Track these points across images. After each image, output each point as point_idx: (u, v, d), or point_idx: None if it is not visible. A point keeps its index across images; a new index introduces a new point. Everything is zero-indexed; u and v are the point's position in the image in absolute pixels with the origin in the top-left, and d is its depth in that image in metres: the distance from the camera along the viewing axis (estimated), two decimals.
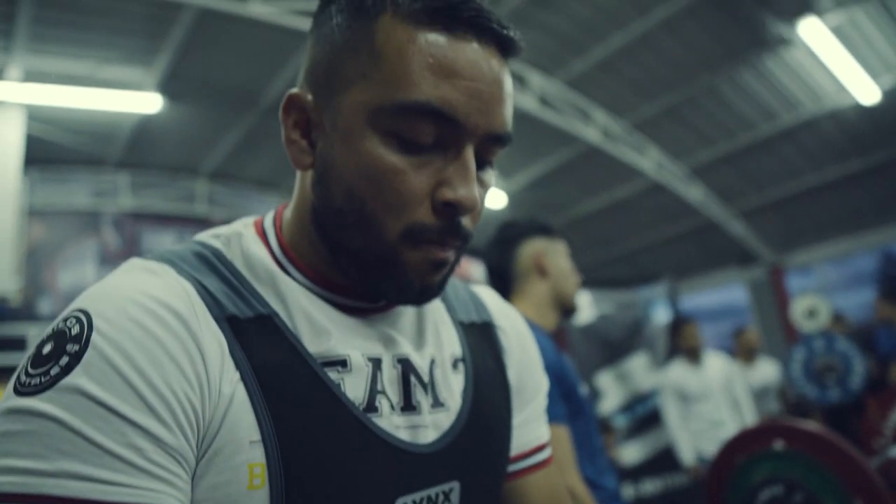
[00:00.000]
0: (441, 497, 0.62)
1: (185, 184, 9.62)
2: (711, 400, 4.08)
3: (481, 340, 0.76)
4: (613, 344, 4.71)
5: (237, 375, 0.53)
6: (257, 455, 0.51)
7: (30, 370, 0.48)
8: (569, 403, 1.57)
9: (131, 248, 9.07)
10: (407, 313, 0.68)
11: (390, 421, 0.60)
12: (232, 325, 0.55)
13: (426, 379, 0.65)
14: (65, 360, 0.47)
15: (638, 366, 4.77)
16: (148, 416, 0.47)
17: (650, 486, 4.44)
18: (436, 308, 0.73)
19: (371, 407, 0.59)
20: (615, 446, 4.36)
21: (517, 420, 0.77)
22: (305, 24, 5.64)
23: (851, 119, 7.73)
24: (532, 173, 9.36)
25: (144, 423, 0.47)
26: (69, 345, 0.48)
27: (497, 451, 0.71)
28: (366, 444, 0.56)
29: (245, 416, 0.52)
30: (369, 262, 0.58)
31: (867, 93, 7.13)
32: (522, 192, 9.78)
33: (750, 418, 4.10)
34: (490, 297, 0.84)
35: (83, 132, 7.85)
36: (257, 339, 0.55)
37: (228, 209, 9.95)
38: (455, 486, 0.63)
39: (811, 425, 1.90)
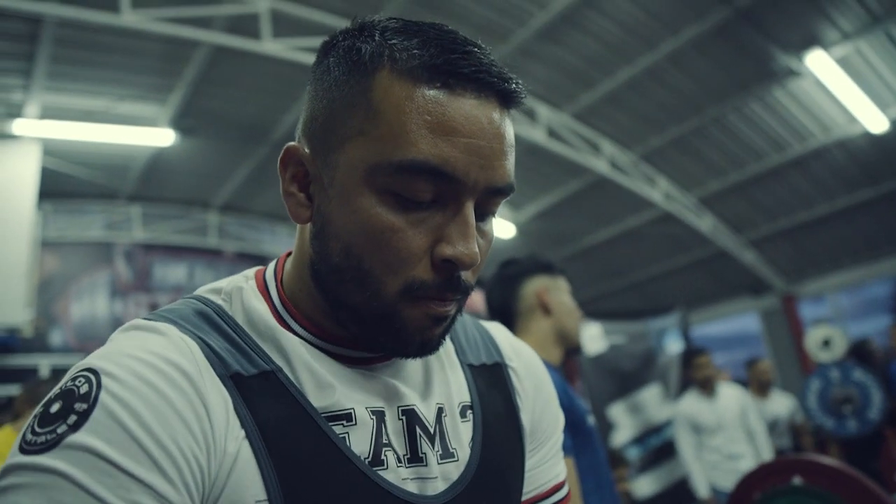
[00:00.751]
0: None
1: (196, 216, 9.71)
2: (726, 432, 4.02)
3: (492, 383, 0.73)
4: (625, 375, 4.67)
5: (242, 433, 0.52)
6: None
7: (37, 429, 0.48)
8: (576, 436, 1.56)
9: (143, 280, 9.13)
10: (412, 362, 0.66)
11: (397, 474, 0.58)
12: (236, 383, 0.55)
13: (432, 429, 0.63)
14: (73, 418, 0.47)
15: (651, 397, 4.72)
16: (153, 473, 0.47)
17: None
18: (444, 352, 0.70)
19: (377, 461, 0.57)
20: (628, 479, 4.29)
21: (533, 461, 0.75)
22: (312, 59, 5.75)
23: (861, 148, 7.73)
24: (541, 204, 9.40)
25: (149, 480, 0.47)
26: (77, 403, 0.48)
27: (507, 499, 0.68)
28: (373, 499, 0.55)
29: (250, 475, 0.51)
30: (368, 317, 0.58)
31: (875, 122, 7.15)
32: (531, 222, 9.81)
33: (766, 450, 4.03)
34: (501, 335, 0.81)
35: (97, 166, 7.97)
36: (261, 395, 0.55)
37: (239, 241, 10.03)
38: None
39: (830, 461, 1.87)
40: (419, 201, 0.54)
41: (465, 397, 0.69)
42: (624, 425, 4.54)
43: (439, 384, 0.67)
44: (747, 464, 3.91)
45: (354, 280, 0.56)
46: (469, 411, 0.68)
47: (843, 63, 6.48)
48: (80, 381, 0.50)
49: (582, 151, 7.67)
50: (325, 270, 0.58)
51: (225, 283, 0.65)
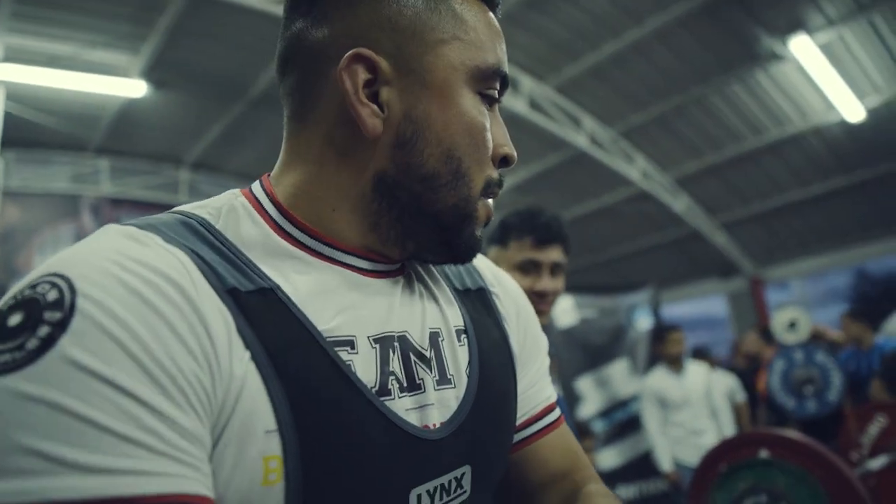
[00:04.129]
0: (454, 484, 0.58)
1: (167, 172, 9.49)
2: (691, 407, 4.08)
3: (480, 308, 0.71)
4: (594, 349, 4.70)
5: (248, 354, 0.46)
6: (273, 446, 0.45)
7: None
8: None
9: None
10: (409, 285, 0.64)
11: (402, 404, 0.55)
12: (234, 298, 0.48)
13: (428, 354, 0.60)
14: (44, 329, 0.39)
15: (618, 372, 4.77)
16: (155, 392, 0.40)
17: (626, 491, 4.44)
18: (434, 277, 0.68)
19: (384, 391, 0.54)
20: (593, 451, 4.34)
21: (523, 384, 0.72)
22: None
23: (836, 136, 7.82)
24: (519, 177, 9.35)
25: (155, 402, 0.40)
26: (47, 312, 0.40)
27: (505, 427, 0.67)
28: (382, 433, 0.51)
29: (259, 402, 0.45)
30: (450, 220, 0.58)
31: (853, 111, 7.22)
32: (509, 195, 9.78)
33: (728, 427, 4.11)
34: (481, 262, 0.79)
35: (64, 115, 7.71)
36: (263, 313, 0.49)
37: None
38: (467, 469, 0.59)
39: (796, 435, 1.89)
40: (491, 101, 0.59)
41: (459, 322, 0.66)
42: (591, 398, 4.58)
43: (432, 309, 0.65)
44: (710, 439, 3.98)
45: (449, 184, 0.56)
46: (464, 335, 0.65)
47: (826, 50, 6.51)
48: (43, 289, 0.42)
49: (563, 125, 7.62)
50: (409, 179, 0.56)
51: (209, 200, 0.59)
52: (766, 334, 6.30)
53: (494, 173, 0.59)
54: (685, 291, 11.03)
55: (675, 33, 6.57)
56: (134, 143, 8.83)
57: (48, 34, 6.26)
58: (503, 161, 0.60)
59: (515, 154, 0.61)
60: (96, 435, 0.37)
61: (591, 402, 4.57)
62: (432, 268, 0.69)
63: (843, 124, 7.53)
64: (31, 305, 0.41)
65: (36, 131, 7.86)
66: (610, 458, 4.49)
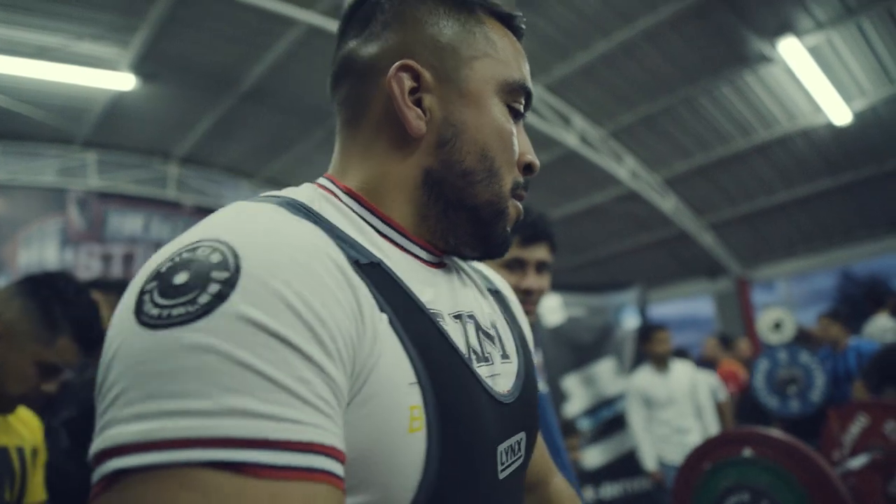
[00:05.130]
0: (517, 447, 0.65)
1: (155, 166, 9.44)
2: (676, 406, 4.11)
3: (501, 307, 0.79)
4: (582, 347, 4.72)
5: (385, 316, 0.52)
6: (415, 397, 0.50)
7: (160, 301, 0.42)
8: None
9: (96, 229, 8.87)
10: (458, 276, 0.72)
11: (481, 372, 0.61)
12: (360, 268, 0.53)
13: (492, 332, 0.69)
14: (214, 287, 0.42)
15: (605, 370, 4.79)
16: (314, 344, 0.43)
17: (611, 490, 4.47)
18: (469, 274, 0.77)
19: (469, 358, 0.60)
20: (579, 449, 4.37)
21: None
22: (288, 8, 5.56)
23: (823, 139, 7.89)
24: None
25: (311, 352, 0.43)
26: (214, 272, 0.43)
27: (537, 407, 0.75)
28: (480, 393, 0.58)
29: (399, 358, 0.51)
30: (486, 214, 0.65)
31: (839, 114, 7.29)
32: None
33: (712, 425, 4.14)
34: (484, 267, 0.87)
35: (52, 107, 7.64)
36: (382, 283, 0.54)
37: (199, 194, 9.79)
38: (523, 436, 0.66)
39: (779, 434, 1.91)
40: (517, 114, 0.67)
41: (498, 312, 0.76)
42: (577, 396, 4.60)
43: (480, 298, 0.74)
44: (694, 438, 4.01)
45: (484, 180, 0.63)
46: (504, 322, 0.76)
47: (814, 52, 6.56)
48: (204, 252, 0.45)
49: (553, 124, 7.64)
50: (452, 174, 0.63)
51: (286, 190, 0.64)
52: (724, 341, 6.48)
53: (520, 177, 0.67)
54: (672, 291, 11.10)
55: (664, 34, 6.60)
56: (122, 136, 8.76)
57: (36, 25, 6.20)
58: (527, 168, 0.68)
59: (538, 163, 0.68)
60: (258, 383, 0.40)
61: (577, 401, 4.59)
62: (464, 265, 0.77)
63: (830, 127, 7.60)
64: (195, 265, 0.44)
65: (23, 124, 7.79)
66: (595, 456, 4.51)
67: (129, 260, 8.99)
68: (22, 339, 1.29)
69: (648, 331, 4.32)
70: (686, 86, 7.34)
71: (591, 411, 4.61)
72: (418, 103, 0.63)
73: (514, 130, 0.66)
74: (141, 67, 6.98)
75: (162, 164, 9.49)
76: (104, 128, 8.38)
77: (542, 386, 1.73)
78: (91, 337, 1.43)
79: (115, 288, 2.17)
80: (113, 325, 0.45)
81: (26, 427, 1.40)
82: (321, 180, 0.68)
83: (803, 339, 5.40)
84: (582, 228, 10.49)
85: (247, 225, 0.48)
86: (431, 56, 0.63)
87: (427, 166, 0.63)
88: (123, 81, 7.01)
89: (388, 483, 0.49)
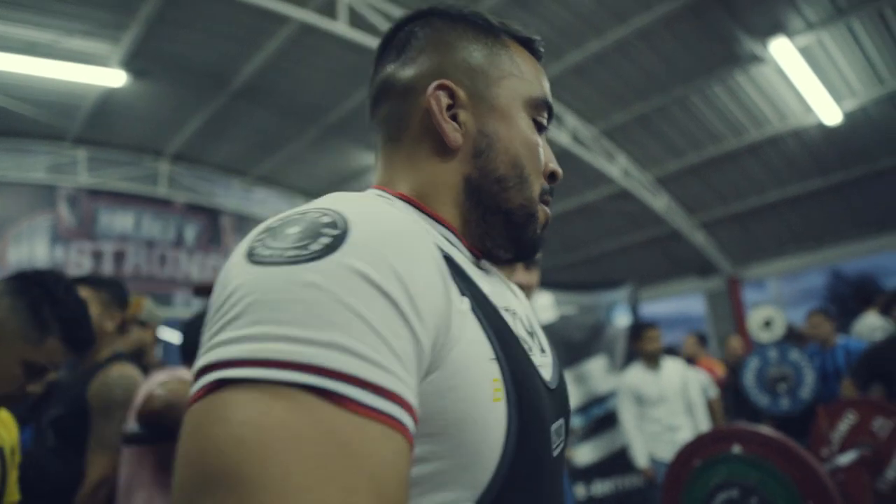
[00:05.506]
0: (560, 430, 0.70)
1: (146, 163, 9.40)
2: (667, 403, 4.13)
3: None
4: (573, 345, 4.73)
5: (466, 299, 0.57)
6: (495, 371, 0.55)
7: (272, 244, 0.48)
8: None
9: (87, 226, 8.82)
10: (494, 276, 0.77)
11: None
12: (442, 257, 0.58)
13: (529, 328, 0.74)
14: (325, 239, 0.47)
15: (596, 368, 4.80)
16: (410, 307, 0.47)
17: (602, 487, 4.48)
18: (497, 274, 0.82)
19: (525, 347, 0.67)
20: (570, 447, 4.38)
21: None
22: (281, 6, 5.55)
23: (814, 139, 7.93)
24: None
25: (407, 312, 0.46)
26: (325, 229, 0.48)
27: None
28: (536, 375, 0.63)
29: (480, 336, 0.56)
30: (519, 218, 0.71)
31: (830, 114, 7.33)
32: None
33: (703, 422, 4.16)
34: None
35: (41, 104, 7.60)
36: (455, 271, 0.60)
37: (191, 192, 9.76)
38: (562, 422, 0.71)
39: (768, 431, 1.92)
40: (541, 127, 0.74)
41: (530, 310, 0.83)
42: (569, 394, 4.61)
43: (514, 296, 0.80)
44: (685, 435, 4.03)
45: (516, 186, 0.70)
46: (536, 320, 0.82)
47: (805, 53, 6.60)
48: (314, 214, 0.51)
49: None
50: (488, 181, 0.69)
51: (346, 194, 0.67)
52: (703, 339, 6.58)
53: (546, 184, 0.74)
54: (664, 289, 11.14)
55: (658, 33, 6.62)
56: (113, 133, 8.72)
57: (26, 20, 6.17)
58: (551, 176, 0.75)
59: (561, 171, 0.76)
60: (358, 326, 0.43)
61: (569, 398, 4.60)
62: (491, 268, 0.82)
63: (821, 127, 7.65)
64: (306, 222, 0.50)
65: (12, 120, 7.74)
66: (587, 453, 4.53)
67: (119, 257, 8.95)
68: (9, 338, 1.26)
69: (639, 329, 4.34)
70: (679, 85, 7.37)
71: (583, 409, 4.62)
72: (454, 118, 0.70)
73: (540, 141, 0.73)
74: (132, 64, 6.95)
75: (153, 162, 9.45)
76: (95, 125, 8.34)
77: None
78: (80, 337, 1.41)
79: (106, 285, 2.16)
80: (226, 272, 0.49)
81: (4, 427, 1.37)
82: (372, 191, 0.72)
83: (793, 337, 5.44)
84: (574, 227, 10.51)
85: (353, 201, 0.54)
86: (464, 76, 0.71)
87: (466, 174, 0.70)
88: (114, 78, 6.98)
89: (478, 447, 0.53)
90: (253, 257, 0.47)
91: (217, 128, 8.66)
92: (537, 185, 0.72)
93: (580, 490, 4.35)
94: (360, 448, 0.40)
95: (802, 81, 6.90)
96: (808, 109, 7.38)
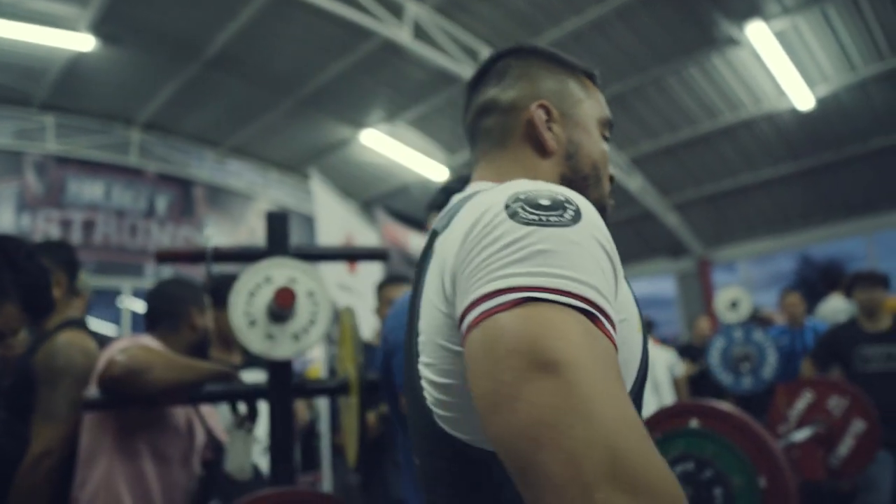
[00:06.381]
0: None
1: (117, 132, 9.20)
2: None
3: None
4: None
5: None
6: (637, 312, 0.77)
7: (532, 210, 0.62)
8: None
9: (55, 195, 8.63)
10: None
11: None
12: None
13: None
14: (570, 212, 0.62)
15: None
16: (616, 262, 0.64)
17: None
18: None
19: None
20: None
21: None
22: None
23: (787, 123, 8.03)
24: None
25: (616, 266, 0.64)
26: (566, 203, 0.64)
27: None
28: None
29: (624, 285, 0.72)
30: (597, 209, 0.79)
31: (803, 99, 7.41)
32: (465, 166, 9.76)
33: (668, 400, 4.24)
34: None
35: (6, 67, 7.39)
36: None
37: (163, 162, 9.59)
38: None
39: (725, 406, 1.96)
40: (606, 139, 0.96)
41: None
42: None
43: None
44: (649, 411, 4.10)
45: (595, 184, 0.92)
46: None
47: (781, 37, 6.64)
48: (551, 192, 0.65)
49: None
50: (577, 178, 0.91)
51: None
52: (649, 324, 6.76)
53: (609, 185, 0.97)
54: (635, 269, 11.25)
55: (636, 13, 6.61)
56: (82, 99, 8.52)
57: None
58: (610, 179, 0.98)
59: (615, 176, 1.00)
60: (600, 276, 0.59)
61: None
62: None
63: (794, 112, 7.74)
64: (551, 196, 0.64)
65: None
66: None
67: (89, 227, 8.79)
68: None
69: None
70: (655, 66, 7.38)
71: None
72: (549, 130, 0.91)
73: (608, 150, 0.96)
74: (101, 29, 6.77)
75: (124, 130, 9.26)
76: (63, 90, 8.13)
77: None
78: (39, 304, 1.39)
79: (51, 249, 2.08)
80: (483, 223, 0.63)
81: None
82: (484, 183, 0.91)
83: (757, 319, 5.56)
84: None
85: (556, 186, 0.69)
86: (554, 98, 0.92)
87: (560, 172, 0.90)
88: (83, 42, 6.80)
89: (631, 364, 0.73)
90: (520, 218, 0.61)
91: (190, 97, 8.50)
92: (607, 184, 0.95)
93: None
94: (606, 350, 0.56)
95: (777, 66, 6.96)
96: (782, 94, 7.46)
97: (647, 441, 0.51)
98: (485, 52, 7.11)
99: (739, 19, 6.50)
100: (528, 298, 0.56)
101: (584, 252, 0.59)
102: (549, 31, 6.96)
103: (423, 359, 0.72)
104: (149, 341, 2.00)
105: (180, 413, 2.05)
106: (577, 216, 0.62)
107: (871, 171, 8.39)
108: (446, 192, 1.73)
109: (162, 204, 9.54)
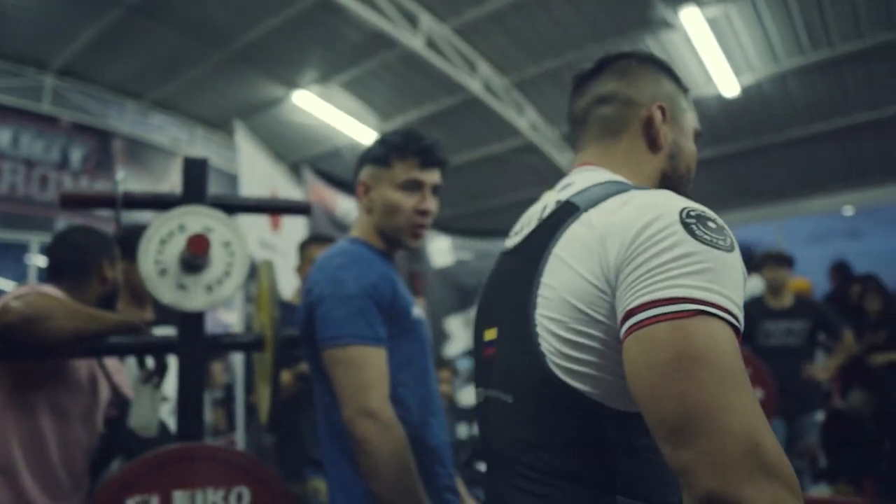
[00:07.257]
0: None
1: (29, 76, 8.61)
2: None
3: None
4: (467, 290, 4.82)
5: None
6: None
7: (705, 231, 0.74)
8: (395, 326, 1.56)
9: None
10: None
11: None
12: None
13: None
14: (729, 239, 0.75)
15: None
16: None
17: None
18: None
19: None
20: (456, 388, 4.50)
21: None
22: None
23: (711, 109, 8.28)
24: (410, 116, 9.20)
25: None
26: (725, 229, 0.76)
27: None
28: None
29: None
30: None
31: (729, 86, 7.66)
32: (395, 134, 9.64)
33: None
34: None
35: None
36: None
37: (79, 111, 9.06)
38: None
39: None
40: None
41: None
42: (458, 337, 4.71)
43: None
44: None
45: (686, 183, 1.06)
46: None
47: (712, 24, 6.81)
48: (710, 214, 0.78)
49: (458, 68, 7.58)
50: (675, 176, 1.05)
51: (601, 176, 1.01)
52: None
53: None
54: None
55: None
56: None
57: None
58: None
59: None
60: (742, 294, 0.73)
61: (458, 341, 4.70)
62: None
63: (719, 98, 7.98)
64: (715, 220, 0.78)
65: None
66: (470, 395, 4.67)
67: None
68: None
69: None
70: (592, 43, 7.43)
71: (471, 352, 4.75)
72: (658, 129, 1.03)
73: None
74: None
75: (37, 75, 8.67)
76: None
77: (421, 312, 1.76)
78: None
79: None
80: (662, 231, 0.74)
81: None
82: (603, 171, 1.01)
83: None
84: (479, 177, 10.55)
85: (699, 206, 0.81)
86: (667, 102, 1.05)
87: (663, 168, 1.04)
88: None
89: None
90: (697, 236, 0.72)
91: (111, 43, 8.02)
92: (690, 183, 1.08)
93: (463, 429, 4.49)
94: (742, 361, 0.68)
95: (707, 52, 7.14)
96: (710, 80, 7.68)
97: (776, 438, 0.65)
98: (423, 17, 7.00)
99: (675, 3, 6.62)
100: (702, 311, 0.68)
101: (738, 277, 0.72)
102: (492, 0, 6.90)
103: (544, 311, 0.82)
104: (48, 289, 1.88)
105: (83, 366, 1.95)
106: (733, 244, 0.75)
107: (784, 160, 8.80)
108: (384, 144, 1.69)
109: (77, 155, 9.02)
